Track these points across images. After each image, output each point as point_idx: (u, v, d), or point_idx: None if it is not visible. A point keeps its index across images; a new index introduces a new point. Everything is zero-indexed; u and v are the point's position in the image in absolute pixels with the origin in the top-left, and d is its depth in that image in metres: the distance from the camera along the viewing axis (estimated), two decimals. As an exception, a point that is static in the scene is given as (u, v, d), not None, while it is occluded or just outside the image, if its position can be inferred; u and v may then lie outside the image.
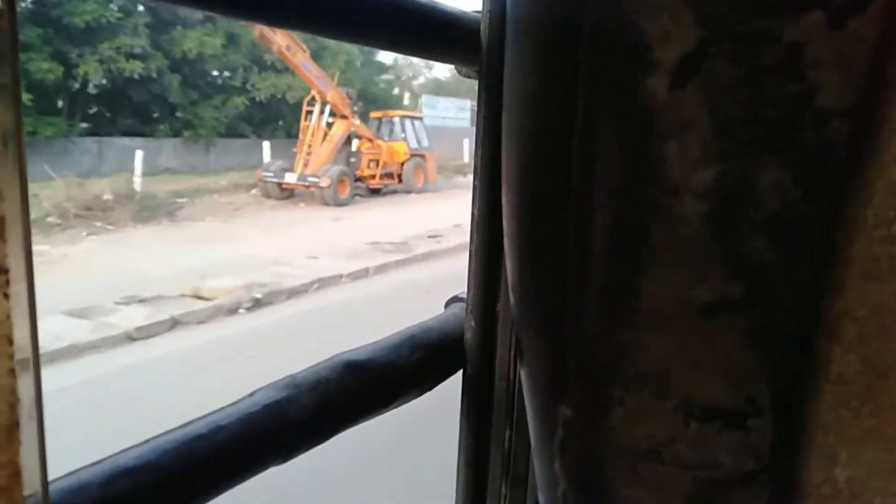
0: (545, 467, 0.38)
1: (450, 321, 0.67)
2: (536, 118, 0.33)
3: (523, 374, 0.39)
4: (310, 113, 16.01)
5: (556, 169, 0.31)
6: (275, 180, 15.19)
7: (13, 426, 0.27)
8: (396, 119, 19.38)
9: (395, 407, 0.58)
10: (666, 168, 0.27)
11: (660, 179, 0.28)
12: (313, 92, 15.41)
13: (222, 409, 0.45)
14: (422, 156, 18.76)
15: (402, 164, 18.09)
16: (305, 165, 15.11)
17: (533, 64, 0.32)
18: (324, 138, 15.68)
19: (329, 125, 16.46)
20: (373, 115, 19.88)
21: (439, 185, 19.17)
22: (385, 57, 30.57)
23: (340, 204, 14.49)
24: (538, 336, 0.36)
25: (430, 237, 9.83)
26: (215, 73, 20.84)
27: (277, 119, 23.45)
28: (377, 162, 17.26)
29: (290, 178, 14.98)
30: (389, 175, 17.91)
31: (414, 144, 18.70)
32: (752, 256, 0.27)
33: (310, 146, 15.45)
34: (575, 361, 0.34)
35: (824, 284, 0.27)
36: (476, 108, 0.63)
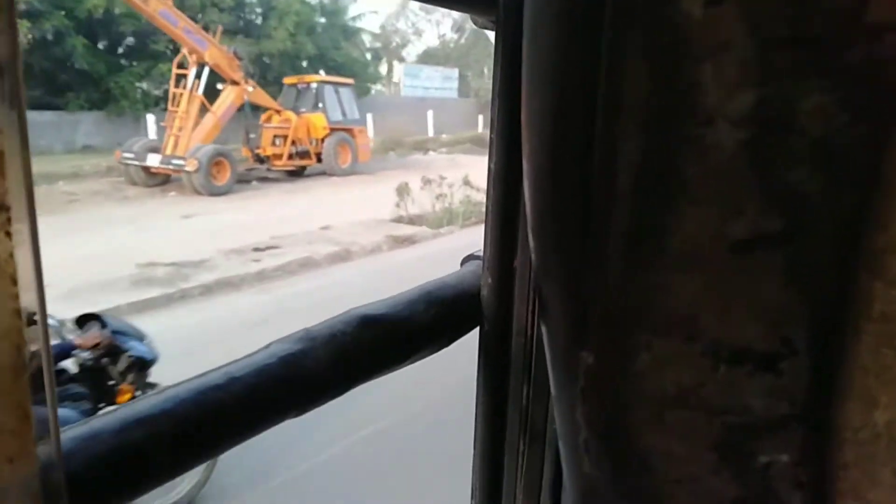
0: (566, 415, 0.37)
1: (466, 278, 0.65)
2: (559, 48, 0.31)
3: (543, 322, 0.38)
4: (183, 77, 12.52)
5: (580, 102, 0.29)
6: (136, 163, 12.05)
7: (20, 368, 0.27)
8: (314, 85, 15.46)
9: (411, 363, 0.58)
10: (700, 94, 0.26)
11: (693, 107, 0.26)
12: (184, 51, 12.30)
13: (238, 360, 0.45)
14: (348, 130, 15.34)
15: (323, 140, 14.83)
16: (176, 144, 12.20)
17: None
18: (203, 110, 12.64)
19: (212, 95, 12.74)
20: (287, 80, 16.24)
21: (373, 166, 15.90)
22: (367, 23, 29.05)
23: (217, 192, 11.67)
24: (559, 282, 0.35)
25: (255, 250, 7.52)
26: (132, 37, 17.74)
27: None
28: (285, 138, 14.18)
29: (154, 160, 11.84)
30: (304, 154, 14.70)
31: (337, 116, 15.28)
32: (792, 188, 0.25)
33: (182, 120, 12.35)
34: (598, 307, 0.32)
35: (868, 217, 0.25)
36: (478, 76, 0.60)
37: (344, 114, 15.56)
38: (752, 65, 0.24)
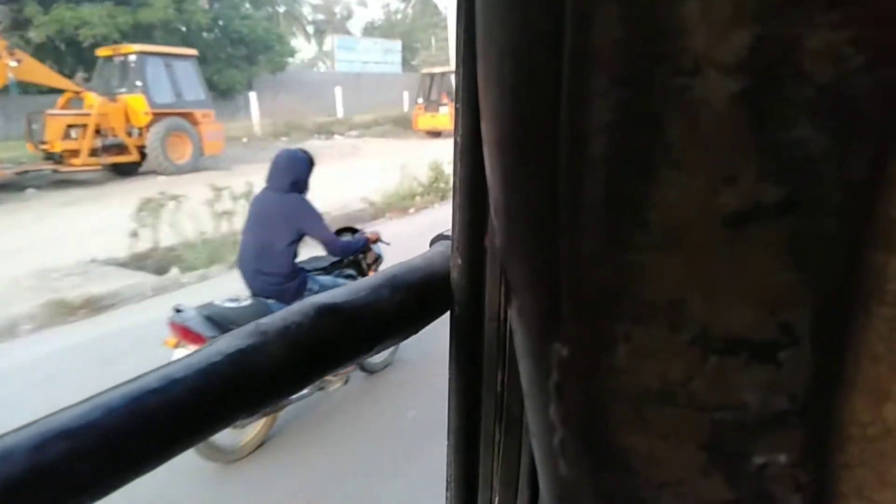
0: (539, 414, 0.33)
1: (435, 259, 0.61)
2: None
3: (512, 310, 0.34)
4: None
5: (543, 54, 0.25)
6: None
7: None
8: (132, 58, 11.89)
9: (377, 352, 0.54)
10: (684, 37, 0.21)
11: (675, 54, 0.22)
12: None
13: (177, 360, 0.40)
14: (186, 115, 12.10)
15: (146, 128, 11.51)
16: None
17: None
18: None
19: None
20: (100, 52, 12.72)
21: (239, 157, 12.66)
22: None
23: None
24: (527, 264, 0.31)
25: None
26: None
27: (68, 66, 16.66)
28: (84, 128, 10.88)
29: None
30: (118, 148, 11.35)
31: (165, 98, 11.92)
32: (794, 148, 0.21)
33: None
34: (570, 292, 0.28)
35: (882, 182, 0.21)
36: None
37: (178, 94, 12.28)
38: None
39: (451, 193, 0.56)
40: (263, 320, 0.45)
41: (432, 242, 0.66)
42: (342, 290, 0.51)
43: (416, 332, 0.57)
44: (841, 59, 0.20)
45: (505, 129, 0.29)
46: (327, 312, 0.48)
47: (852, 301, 0.23)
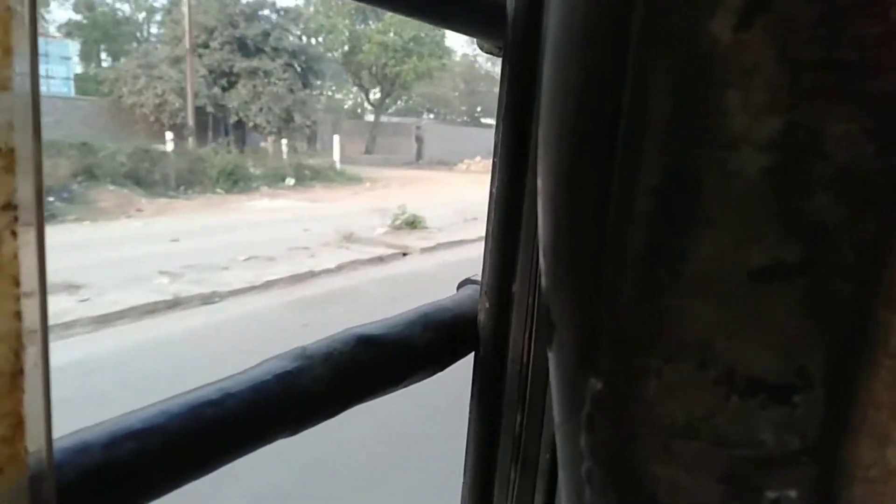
0: (569, 443, 0.36)
1: (463, 302, 0.65)
2: (582, 70, 0.31)
3: (550, 346, 0.37)
4: None
5: (601, 121, 0.29)
6: None
7: (17, 373, 0.26)
8: None
9: (405, 385, 0.57)
10: (725, 118, 0.26)
11: (717, 131, 0.26)
12: None
13: (232, 376, 0.44)
14: None
15: None
16: None
17: (580, 10, 0.30)
18: None
19: None
20: None
21: None
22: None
23: None
24: (570, 303, 0.34)
25: None
26: None
27: None
28: None
29: None
30: None
31: None
32: (814, 216, 0.25)
33: None
34: (609, 330, 0.32)
35: (888, 250, 0.25)
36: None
37: None
38: (781, 89, 0.25)
39: None
40: (310, 345, 0.49)
41: (460, 286, 0.69)
42: (380, 323, 0.55)
43: (443, 369, 0.60)
44: (856, 144, 0.24)
45: (561, 183, 0.33)
46: (367, 343, 0.51)
47: (860, 352, 0.27)
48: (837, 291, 0.26)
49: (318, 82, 24.20)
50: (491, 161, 0.61)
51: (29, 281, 0.26)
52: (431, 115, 39.06)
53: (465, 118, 39.10)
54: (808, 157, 0.25)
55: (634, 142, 0.28)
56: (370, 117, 31.63)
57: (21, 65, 0.25)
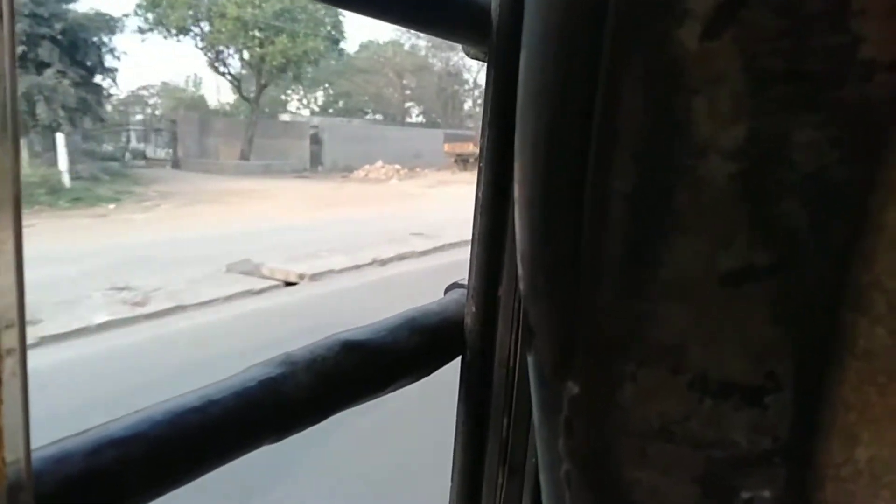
0: (548, 446, 0.36)
1: (449, 306, 0.65)
2: (556, 76, 0.31)
3: (529, 350, 0.38)
4: None
5: (575, 128, 0.30)
6: None
7: (-5, 383, 0.26)
8: None
9: (392, 391, 0.57)
10: (693, 126, 0.26)
11: (686, 138, 0.26)
12: None
13: (216, 383, 0.44)
14: None
15: None
16: None
17: (555, 16, 0.31)
18: None
19: None
20: None
21: None
22: None
23: None
24: (547, 308, 0.35)
25: None
26: None
27: None
28: None
29: None
30: None
31: None
32: (782, 221, 0.26)
33: None
34: (585, 335, 0.32)
35: (854, 253, 0.26)
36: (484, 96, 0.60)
37: None
38: (746, 98, 0.25)
39: None
40: (294, 351, 0.49)
41: (447, 290, 0.70)
42: (366, 328, 0.55)
43: (429, 374, 0.61)
44: (821, 152, 0.25)
45: (536, 189, 0.33)
46: (351, 348, 0.51)
47: (828, 354, 0.27)
48: (805, 295, 0.27)
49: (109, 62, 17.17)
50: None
51: (5, 292, 0.26)
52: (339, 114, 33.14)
53: (388, 116, 34.04)
54: (774, 164, 0.25)
55: (607, 149, 0.29)
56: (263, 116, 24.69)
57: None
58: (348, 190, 17.35)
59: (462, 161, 25.58)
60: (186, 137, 22.15)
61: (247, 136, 22.30)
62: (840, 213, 0.25)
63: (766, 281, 0.27)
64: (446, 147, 27.24)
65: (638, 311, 0.30)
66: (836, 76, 0.24)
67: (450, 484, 0.65)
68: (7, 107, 0.26)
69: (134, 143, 24.51)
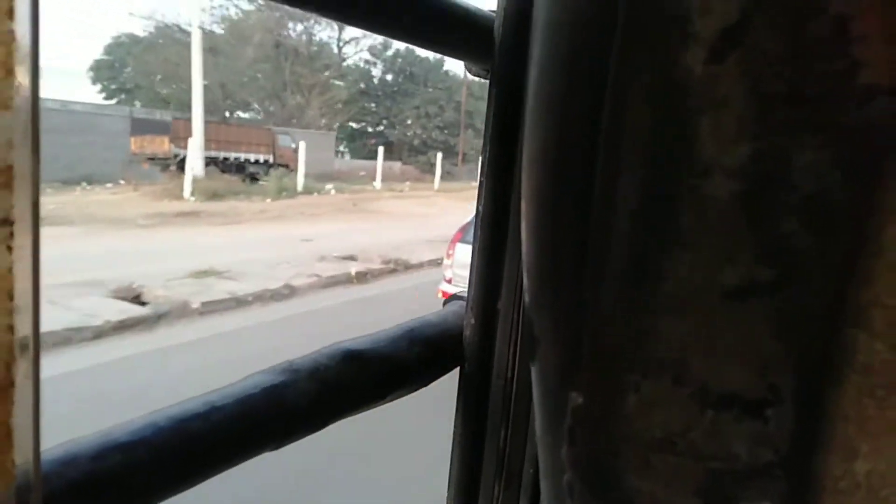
0: (551, 455, 0.37)
1: (449, 318, 0.66)
2: (564, 94, 0.32)
3: (533, 360, 0.38)
4: None
5: (582, 145, 0.31)
6: None
7: (7, 386, 0.26)
8: None
9: (391, 400, 0.57)
10: (698, 146, 0.27)
11: (690, 157, 0.27)
12: None
13: (219, 389, 0.44)
14: None
15: None
16: None
17: (563, 34, 0.32)
18: None
19: None
20: None
21: None
22: None
23: None
24: (552, 319, 0.35)
25: None
26: None
27: None
28: None
29: None
30: None
31: None
32: (783, 240, 0.27)
33: None
34: (590, 346, 0.33)
35: (854, 271, 0.27)
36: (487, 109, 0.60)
37: None
38: (749, 120, 0.26)
39: None
40: (296, 360, 0.49)
41: (446, 302, 0.70)
42: (366, 338, 0.55)
43: (428, 384, 0.61)
44: (822, 173, 0.25)
45: (544, 205, 0.34)
46: (352, 358, 0.52)
47: (829, 368, 0.28)
48: (806, 311, 0.27)
49: None
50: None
51: (22, 295, 0.27)
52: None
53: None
54: (776, 184, 0.26)
55: (613, 164, 0.29)
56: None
57: (22, 84, 0.25)
58: None
59: (162, 166, 17.90)
60: None
61: None
62: (840, 234, 0.26)
63: (768, 296, 0.28)
64: (133, 144, 18.93)
65: (642, 323, 0.31)
66: (838, 100, 0.25)
67: (446, 493, 0.66)
68: (29, 112, 0.26)
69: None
